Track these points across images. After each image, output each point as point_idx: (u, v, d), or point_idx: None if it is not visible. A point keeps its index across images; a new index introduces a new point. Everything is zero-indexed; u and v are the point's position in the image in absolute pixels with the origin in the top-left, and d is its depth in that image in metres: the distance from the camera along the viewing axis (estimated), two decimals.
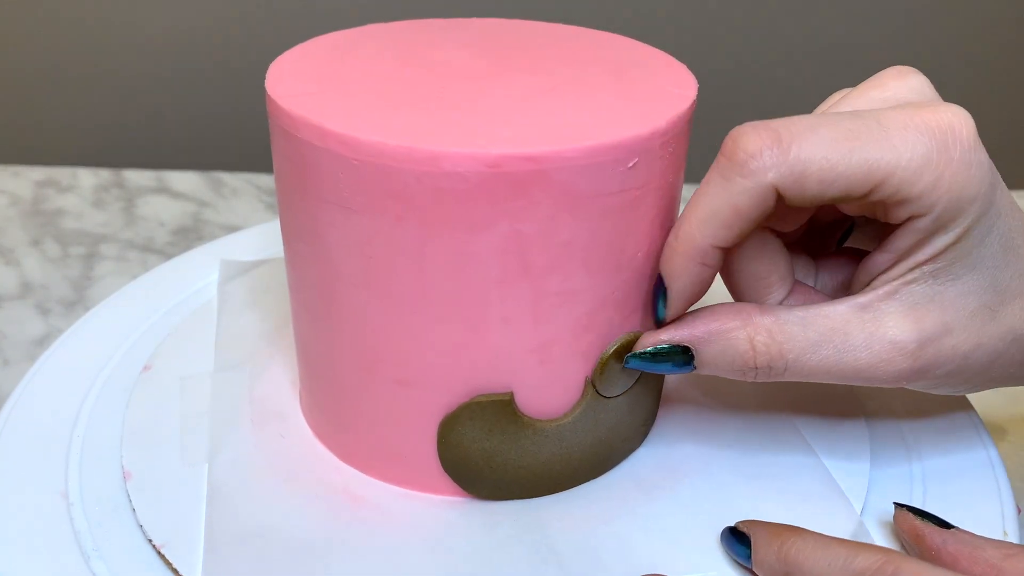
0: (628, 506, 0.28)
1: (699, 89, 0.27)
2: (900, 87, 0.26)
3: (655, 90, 0.27)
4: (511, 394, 0.26)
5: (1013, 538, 0.27)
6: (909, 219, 0.24)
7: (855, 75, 0.29)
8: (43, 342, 0.44)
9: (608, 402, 0.28)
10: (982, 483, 0.30)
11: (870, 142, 0.23)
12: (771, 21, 0.71)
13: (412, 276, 0.25)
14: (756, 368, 0.26)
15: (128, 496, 0.28)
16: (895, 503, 0.27)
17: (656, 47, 0.31)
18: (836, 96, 0.28)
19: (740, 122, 0.24)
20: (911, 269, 0.25)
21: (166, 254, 0.53)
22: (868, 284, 0.25)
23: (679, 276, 0.25)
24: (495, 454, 0.27)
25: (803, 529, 0.25)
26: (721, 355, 0.26)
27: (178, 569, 0.25)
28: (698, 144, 0.43)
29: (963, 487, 0.29)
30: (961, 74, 0.75)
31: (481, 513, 0.28)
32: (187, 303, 0.38)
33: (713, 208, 0.24)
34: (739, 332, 0.25)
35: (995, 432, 0.39)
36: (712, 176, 0.24)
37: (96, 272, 0.51)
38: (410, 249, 0.24)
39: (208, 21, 0.66)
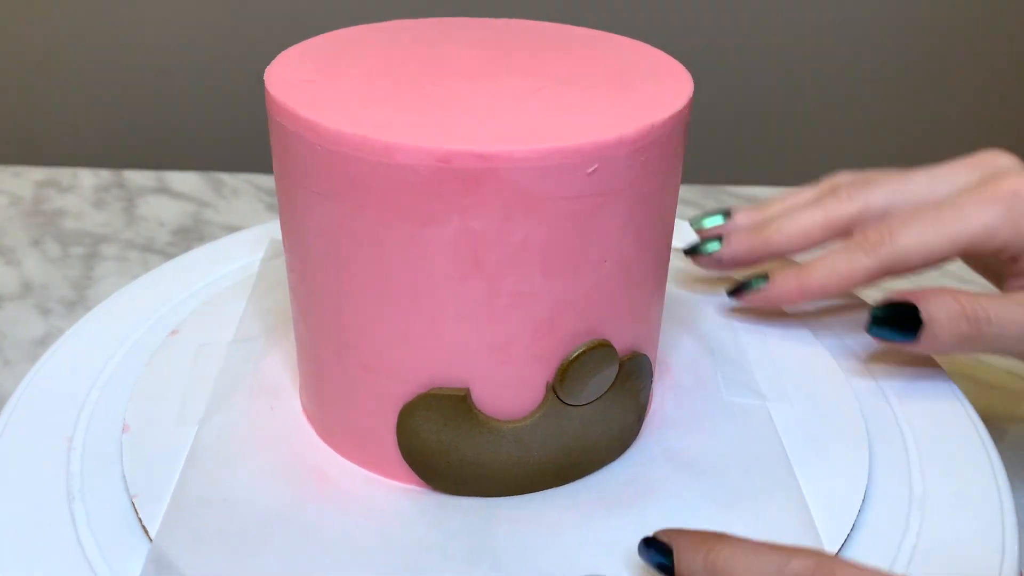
0: (585, 519, 0.28)
1: (701, 91, 0.27)
2: (988, 166, 0.33)
3: (644, 96, 0.26)
4: (467, 390, 0.27)
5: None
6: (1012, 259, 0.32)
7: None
8: (43, 342, 0.44)
9: (572, 410, 0.28)
10: (983, 491, 0.30)
11: (950, 223, 0.32)
12: (775, 22, 0.71)
13: (372, 264, 0.25)
14: (967, 317, 0.30)
15: (120, 447, 0.29)
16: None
17: (660, 47, 0.31)
18: (947, 174, 0.34)
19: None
20: None
21: (166, 254, 0.53)
22: None
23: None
24: (451, 448, 0.27)
25: (729, 535, 0.24)
26: (942, 310, 0.31)
27: (142, 519, 0.27)
28: (699, 144, 0.43)
29: (964, 502, 0.29)
30: (961, 74, 0.75)
31: (435, 506, 0.28)
32: (187, 303, 0.38)
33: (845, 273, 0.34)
34: (950, 297, 0.31)
35: (995, 432, 0.39)
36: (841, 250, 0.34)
37: (96, 272, 0.51)
38: (370, 238, 0.25)
39: (208, 21, 0.66)
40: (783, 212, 0.36)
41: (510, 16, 0.34)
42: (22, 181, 0.61)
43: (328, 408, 0.30)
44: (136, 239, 0.55)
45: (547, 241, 0.24)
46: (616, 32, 0.32)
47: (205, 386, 0.32)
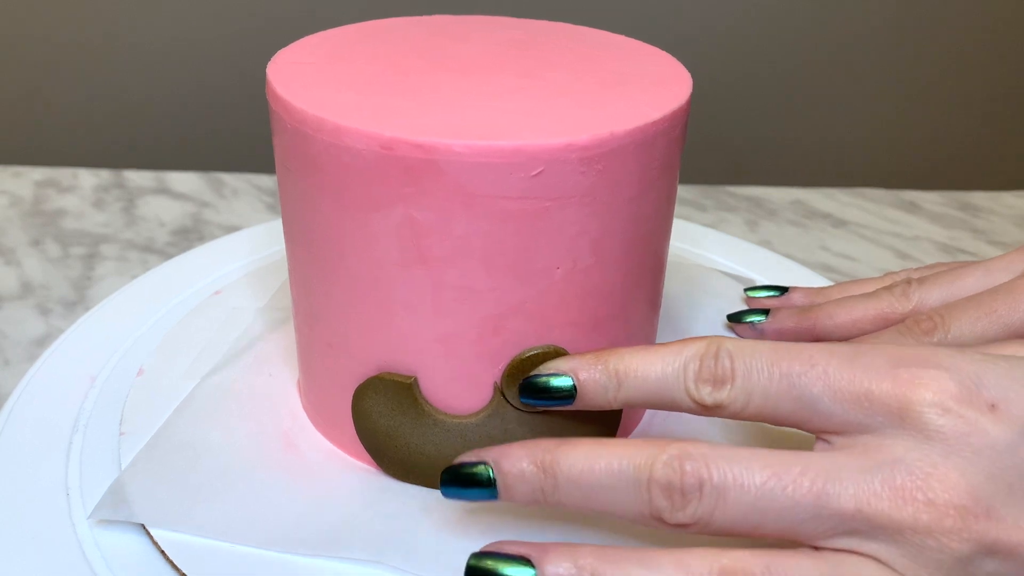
0: (523, 524, 0.27)
1: (702, 90, 0.27)
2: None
3: (628, 102, 0.26)
4: (414, 379, 0.27)
5: None
6: None
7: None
8: (43, 342, 0.44)
9: (521, 415, 0.27)
10: None
11: (1004, 311, 0.29)
12: (776, 21, 0.71)
13: (333, 245, 0.26)
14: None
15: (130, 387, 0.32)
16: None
17: (662, 47, 0.31)
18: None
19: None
20: None
21: (166, 254, 0.53)
22: None
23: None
24: (397, 434, 0.28)
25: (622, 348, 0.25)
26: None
27: (121, 454, 0.29)
28: (699, 143, 0.43)
29: None
30: (962, 74, 0.75)
31: (379, 488, 0.29)
32: (187, 303, 0.38)
33: None
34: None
35: None
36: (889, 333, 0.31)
37: (96, 272, 0.51)
38: (329, 219, 0.26)
39: (208, 21, 0.66)
40: (838, 299, 0.36)
41: (510, 16, 0.34)
42: (22, 181, 0.61)
43: (305, 381, 0.31)
44: (136, 239, 0.55)
45: (488, 239, 0.24)
46: (620, 31, 0.32)
47: (224, 345, 0.34)
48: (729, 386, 0.23)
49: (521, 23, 0.33)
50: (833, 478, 0.21)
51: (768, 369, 0.23)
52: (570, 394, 0.25)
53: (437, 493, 0.28)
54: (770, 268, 0.43)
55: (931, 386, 0.21)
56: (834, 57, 0.73)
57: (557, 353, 0.26)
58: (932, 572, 0.20)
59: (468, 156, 0.23)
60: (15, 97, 0.68)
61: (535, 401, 0.26)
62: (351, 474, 0.29)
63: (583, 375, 0.25)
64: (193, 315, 0.37)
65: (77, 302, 0.48)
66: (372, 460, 0.29)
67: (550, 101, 0.26)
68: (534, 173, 0.23)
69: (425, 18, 0.33)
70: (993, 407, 0.21)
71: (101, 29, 0.66)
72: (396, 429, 0.28)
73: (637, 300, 0.29)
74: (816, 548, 0.22)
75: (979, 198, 0.65)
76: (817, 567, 0.21)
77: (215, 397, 0.31)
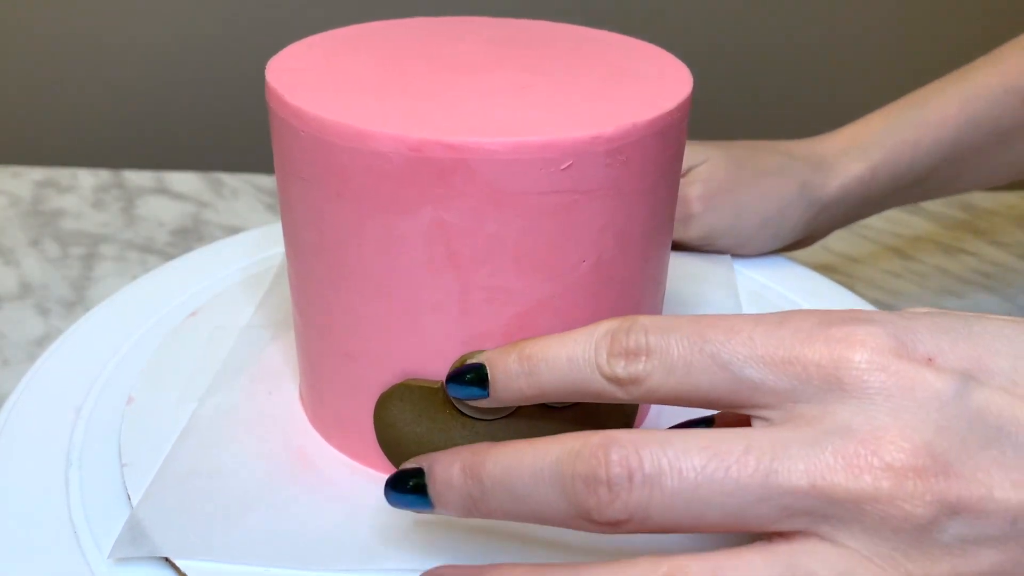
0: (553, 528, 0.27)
1: (703, 89, 0.27)
2: None
3: (637, 95, 0.26)
4: (441, 383, 0.26)
5: None
6: None
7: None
8: (43, 342, 0.44)
9: (546, 412, 0.27)
10: None
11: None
12: (776, 20, 0.71)
13: (352, 252, 0.25)
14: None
15: (121, 417, 0.30)
16: None
17: (662, 45, 0.31)
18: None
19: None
20: None
21: (166, 255, 0.53)
22: None
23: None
24: (423, 441, 0.27)
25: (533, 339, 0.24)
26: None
27: (127, 486, 0.28)
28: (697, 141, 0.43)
29: None
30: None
31: None
32: (187, 304, 0.38)
33: None
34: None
35: None
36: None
37: (96, 272, 0.51)
38: (349, 225, 0.25)
39: (208, 21, 0.66)
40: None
41: (511, 16, 0.34)
42: (21, 181, 0.61)
43: (316, 395, 0.30)
44: (135, 239, 0.55)
45: (520, 236, 0.24)
46: (620, 31, 0.32)
47: (213, 366, 0.33)
48: (644, 359, 0.21)
49: (511, 23, 0.33)
50: (780, 454, 0.19)
51: (688, 340, 0.21)
52: (482, 382, 0.24)
53: None
54: (770, 268, 0.43)
55: (867, 343, 0.19)
56: (836, 56, 0.73)
57: None
58: (894, 545, 0.19)
59: (501, 154, 0.23)
60: (15, 97, 0.67)
61: (454, 389, 0.25)
62: (375, 486, 0.28)
63: (497, 364, 0.23)
64: (172, 338, 0.35)
65: (76, 302, 0.48)
66: (395, 469, 0.28)
67: (562, 96, 0.26)
68: (564, 167, 0.24)
69: (424, 20, 0.33)
70: (930, 360, 0.20)
71: (101, 29, 0.66)
72: (422, 436, 0.27)
73: (649, 291, 0.29)
74: (768, 538, 0.20)
75: (980, 198, 0.65)
76: (770, 566, 0.19)
77: (217, 421, 0.30)
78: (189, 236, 0.55)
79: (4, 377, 0.41)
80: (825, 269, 0.54)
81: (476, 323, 0.26)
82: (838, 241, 0.58)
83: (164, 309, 0.38)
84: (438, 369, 0.26)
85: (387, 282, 0.25)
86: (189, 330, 0.36)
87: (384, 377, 0.27)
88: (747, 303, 0.39)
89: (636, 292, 0.28)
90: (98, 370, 0.34)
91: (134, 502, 0.27)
